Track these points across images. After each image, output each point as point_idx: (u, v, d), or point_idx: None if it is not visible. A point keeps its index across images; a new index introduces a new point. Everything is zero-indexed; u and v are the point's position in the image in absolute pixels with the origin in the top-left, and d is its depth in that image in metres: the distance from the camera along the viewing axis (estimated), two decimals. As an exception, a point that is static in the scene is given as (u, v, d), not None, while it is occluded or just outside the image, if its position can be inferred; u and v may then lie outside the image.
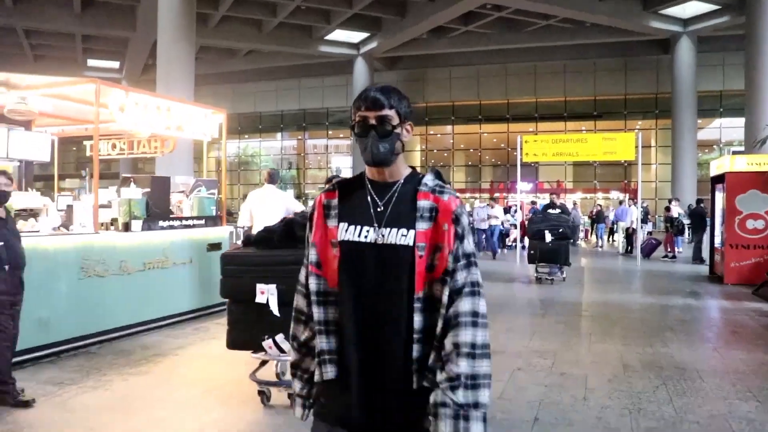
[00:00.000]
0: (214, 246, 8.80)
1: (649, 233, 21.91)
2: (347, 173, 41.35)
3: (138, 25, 32.73)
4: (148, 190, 8.01)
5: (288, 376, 4.44)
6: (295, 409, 2.18)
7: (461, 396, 1.89)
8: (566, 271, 13.00)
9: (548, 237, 12.34)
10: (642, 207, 21.11)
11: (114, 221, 7.61)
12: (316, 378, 2.08)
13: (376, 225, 2.04)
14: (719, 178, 13.68)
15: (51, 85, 7.79)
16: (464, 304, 1.96)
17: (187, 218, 8.65)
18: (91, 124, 9.83)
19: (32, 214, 8.69)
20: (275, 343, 4.51)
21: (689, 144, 31.98)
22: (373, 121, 2.04)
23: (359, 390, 2.01)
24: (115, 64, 41.60)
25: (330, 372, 2.05)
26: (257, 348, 4.65)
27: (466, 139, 42.29)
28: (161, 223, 7.99)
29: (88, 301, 6.81)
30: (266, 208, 7.89)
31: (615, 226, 23.04)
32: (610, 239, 25.33)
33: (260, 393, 4.87)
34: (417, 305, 1.97)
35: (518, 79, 38.80)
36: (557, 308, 9.66)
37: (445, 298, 1.96)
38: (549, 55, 36.83)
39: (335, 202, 2.11)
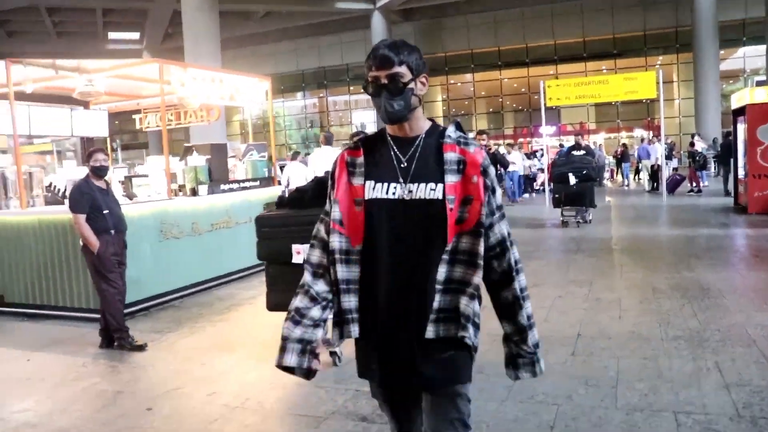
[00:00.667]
0: (270, 205, 9.57)
1: (675, 169, 22.31)
2: (371, 128, 41.87)
3: (156, -4, 33.20)
4: (209, 156, 8.77)
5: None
6: (291, 356, 2.12)
7: (531, 342, 2.12)
8: (593, 212, 13.04)
9: (572, 179, 12.33)
10: (666, 143, 21.55)
11: (182, 187, 8.39)
12: (343, 335, 2.12)
13: (402, 181, 2.05)
14: (740, 111, 14.08)
15: (117, 67, 8.51)
16: (510, 257, 2.09)
17: (243, 181, 9.43)
18: (143, 98, 10.64)
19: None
20: None
21: (712, 77, 31.93)
22: (384, 80, 2.04)
23: (391, 347, 2.07)
24: (135, 35, 42.06)
25: (354, 331, 2.09)
26: None
27: (486, 86, 42.44)
28: (222, 186, 8.77)
29: (168, 261, 7.64)
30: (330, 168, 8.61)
31: (639, 164, 23.45)
32: (636, 177, 25.74)
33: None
34: (445, 257, 2.00)
35: (535, 23, 38.68)
36: (589, 244, 10.33)
37: (481, 250, 2.01)
38: (566, -5, 36.67)
39: (360, 159, 2.12)
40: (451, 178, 2.01)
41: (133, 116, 12.59)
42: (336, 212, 2.10)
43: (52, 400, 4.60)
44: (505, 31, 39.49)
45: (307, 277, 2.18)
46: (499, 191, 2.10)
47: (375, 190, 2.07)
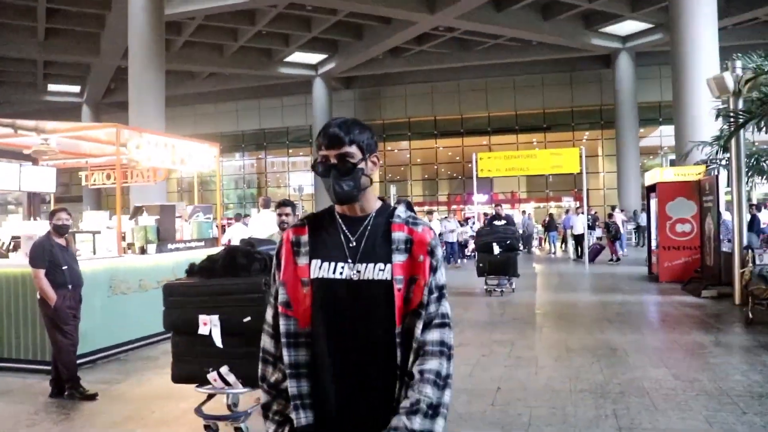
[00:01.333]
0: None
1: (598, 239, 23.63)
2: (308, 190, 42.56)
3: (102, 51, 33.40)
4: (158, 217, 9.20)
5: (240, 408, 4.62)
6: None
7: (418, 423, 1.83)
8: (517, 281, 13.23)
9: (496, 249, 12.46)
10: (590, 215, 22.90)
11: (131, 245, 8.77)
12: (295, 424, 1.99)
13: (350, 261, 1.99)
14: (652, 188, 15.35)
15: (74, 129, 8.95)
16: (433, 335, 1.94)
17: (189, 241, 9.84)
18: (93, 157, 11.02)
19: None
20: (220, 375, 4.32)
21: (632, 152, 34.10)
22: (333, 160, 2.00)
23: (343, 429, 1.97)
24: (76, 89, 41.99)
25: (304, 418, 1.97)
26: (203, 381, 4.42)
27: (422, 153, 43.85)
28: (170, 246, 9.17)
29: (116, 315, 7.98)
30: (268, 231, 9.14)
31: (565, 233, 24.72)
32: (563, 245, 27.05)
33: (206, 428, 4.61)
34: (398, 340, 1.93)
35: (471, 95, 40.54)
36: (513, 309, 11.08)
37: (418, 332, 1.93)
38: (499, 72, 38.59)
39: (305, 238, 2.05)
40: (399, 258, 1.97)
41: (80, 173, 12.89)
42: (282, 294, 2.03)
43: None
44: (441, 101, 41.17)
45: (262, 366, 2.12)
46: (442, 271, 2.04)
47: (321, 270, 2.00)
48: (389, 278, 1.95)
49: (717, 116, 11.01)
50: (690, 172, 14.57)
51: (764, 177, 13.58)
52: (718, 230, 12.45)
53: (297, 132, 44.77)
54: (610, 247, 20.28)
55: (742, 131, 10.04)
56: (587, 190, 38.31)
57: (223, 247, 10.25)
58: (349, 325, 1.96)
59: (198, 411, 4.57)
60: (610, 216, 21.61)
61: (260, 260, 4.52)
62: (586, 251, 19.40)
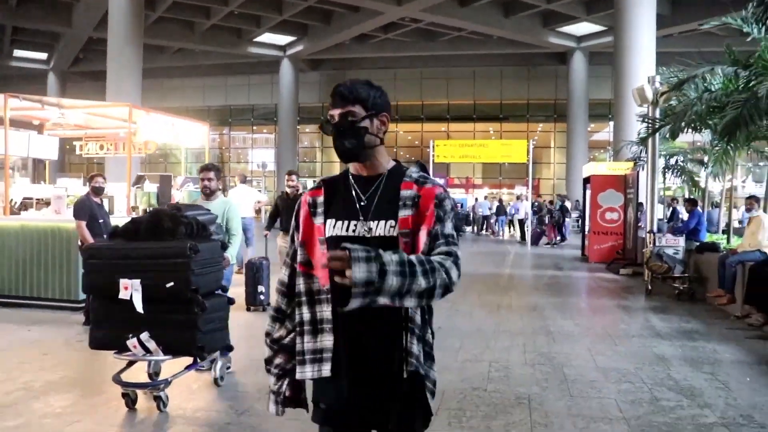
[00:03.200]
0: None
1: (542, 226, 25.63)
2: (271, 167, 43.90)
3: (74, 22, 34.01)
4: (158, 185, 10.66)
5: (162, 377, 4.73)
6: (269, 405, 2.21)
7: (362, 270, 1.71)
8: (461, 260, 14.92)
9: None
10: (536, 202, 24.87)
11: (135, 208, 10.22)
12: (311, 376, 2.06)
13: (362, 218, 2.05)
14: (588, 179, 17.27)
15: (92, 106, 10.32)
16: (441, 251, 1.99)
17: (182, 206, 11.32)
18: (88, 129, 12.37)
19: (45, 202, 11.21)
20: (140, 342, 4.28)
21: (581, 146, 36.23)
22: (336, 119, 2.06)
23: (353, 385, 2.03)
24: (43, 56, 42.29)
25: (326, 370, 2.04)
26: (122, 348, 4.39)
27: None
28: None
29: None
30: (245, 204, 10.65)
31: (512, 218, 26.68)
32: (510, 230, 29.02)
33: (124, 396, 4.52)
34: None
35: (432, 83, 42.19)
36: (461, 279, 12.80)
37: None
38: (460, 62, 40.30)
39: (321, 199, 2.12)
40: (404, 213, 2.01)
41: (74, 142, 14.15)
42: (302, 255, 2.12)
43: (64, 355, 6.42)
44: (404, 87, 42.66)
45: (270, 323, 2.24)
46: (450, 223, 2.07)
47: (335, 228, 2.07)
48: (396, 234, 2.01)
49: (642, 121, 12.80)
50: (620, 167, 16.51)
51: (681, 175, 15.53)
52: (636, 219, 14.39)
53: (262, 110, 45.90)
54: (552, 232, 22.26)
55: (657, 135, 11.86)
56: (537, 179, 40.78)
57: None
58: None
59: (116, 378, 4.50)
60: (551, 203, 23.59)
61: (186, 225, 4.46)
62: (528, 235, 21.33)
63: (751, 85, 8.69)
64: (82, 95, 43.98)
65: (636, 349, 6.68)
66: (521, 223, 23.73)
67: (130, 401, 4.52)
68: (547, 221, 22.46)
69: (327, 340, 2.06)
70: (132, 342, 4.29)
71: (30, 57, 42.15)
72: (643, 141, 12.35)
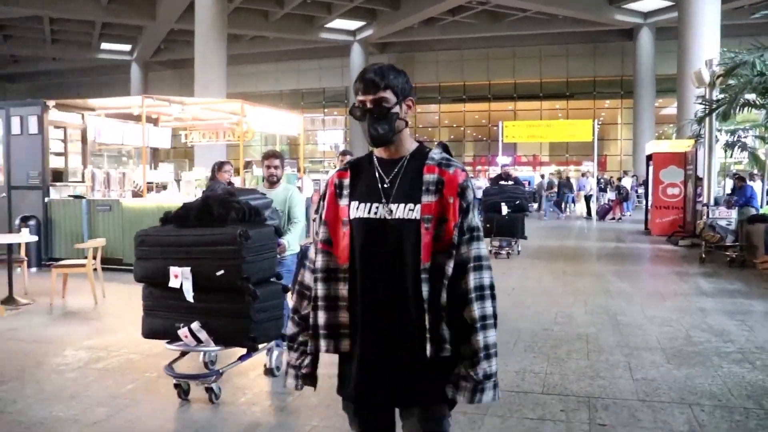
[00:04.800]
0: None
1: (610, 200, 26.39)
2: (343, 147, 45.56)
3: (158, 15, 36.22)
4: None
5: (218, 366, 4.76)
6: (287, 380, 2.29)
7: (480, 371, 2.05)
8: (523, 243, 13.04)
9: (504, 209, 12.22)
10: (603, 178, 25.69)
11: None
12: (324, 350, 2.20)
13: (384, 201, 2.14)
14: (650, 156, 18.10)
15: (209, 102, 11.96)
16: (471, 281, 2.09)
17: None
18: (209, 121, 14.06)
19: (162, 186, 12.95)
20: (191, 331, 4.24)
21: (647, 122, 36.47)
22: (369, 105, 2.14)
23: (375, 364, 2.13)
24: (127, 47, 44.82)
25: (345, 345, 2.18)
26: (174, 337, 4.37)
27: (450, 116, 46.50)
28: (270, 191, 12.26)
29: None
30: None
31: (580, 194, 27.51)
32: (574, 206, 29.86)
33: (176, 386, 4.49)
34: (423, 276, 2.06)
35: (499, 63, 42.89)
36: (525, 249, 14.03)
37: (449, 270, 2.08)
38: (526, 42, 40.85)
39: (347, 181, 2.21)
40: (428, 198, 2.08)
41: (180, 132, 15.91)
42: (323, 233, 2.20)
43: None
44: (471, 68, 43.59)
45: (297, 299, 2.32)
46: (475, 213, 2.15)
47: (358, 210, 2.16)
48: (417, 218, 2.08)
49: (699, 103, 13.66)
50: (681, 145, 17.30)
51: (742, 150, 16.24)
52: (695, 193, 15.26)
53: (333, 92, 47.56)
54: (618, 207, 23.10)
55: (714, 114, 12.74)
56: (604, 155, 41.13)
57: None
58: (384, 262, 2.12)
59: (167, 369, 4.49)
60: (619, 179, 24.37)
61: (238, 210, 4.37)
62: (594, 210, 22.27)
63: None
64: (162, 83, 46.90)
65: (681, 304, 7.86)
66: (587, 198, 24.58)
67: (182, 392, 4.47)
68: (613, 197, 23.28)
69: (343, 317, 2.17)
70: (183, 332, 4.22)
71: (115, 49, 44.63)
72: (700, 121, 13.27)
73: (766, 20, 14.02)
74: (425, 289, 2.06)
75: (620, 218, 22.68)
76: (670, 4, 33.08)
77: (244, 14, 37.19)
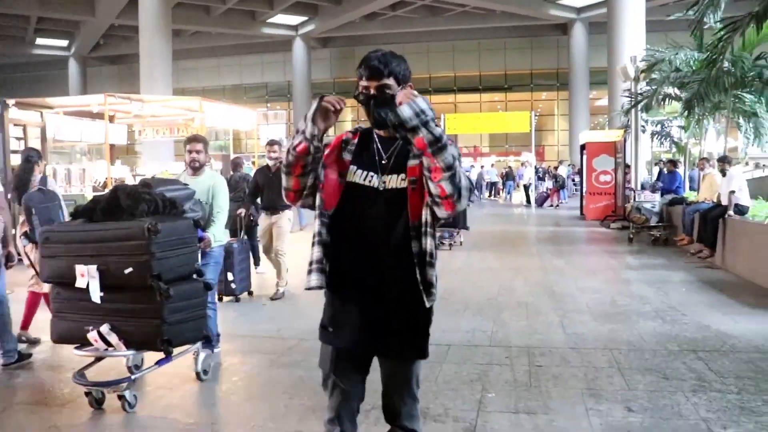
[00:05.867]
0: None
1: (548, 188, 27.67)
2: (286, 143, 45.82)
3: (96, 11, 35.80)
4: (221, 163, 12.79)
5: (144, 369, 4.38)
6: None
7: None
8: (465, 234, 12.79)
9: None
10: (541, 167, 26.95)
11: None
12: (308, 285, 2.37)
13: (380, 173, 2.39)
14: (584, 146, 19.28)
15: (168, 99, 12.42)
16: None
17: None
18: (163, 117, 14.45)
19: (121, 181, 13.33)
20: (100, 335, 3.90)
21: (583, 112, 38.01)
22: (373, 91, 2.31)
23: (365, 313, 2.36)
24: (64, 43, 43.94)
25: (314, 281, 2.36)
26: (85, 341, 4.00)
27: (392, 109, 47.31)
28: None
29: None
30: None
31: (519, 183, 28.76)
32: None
33: (87, 395, 4.08)
34: (412, 233, 2.32)
35: (439, 57, 43.90)
36: (474, 234, 14.92)
37: (429, 218, 2.34)
38: (465, 36, 41.95)
39: (355, 141, 2.46)
40: (412, 162, 2.32)
41: (133, 128, 16.23)
42: (322, 175, 2.41)
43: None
44: (411, 61, 42.49)
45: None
46: (453, 148, 2.25)
47: (356, 175, 2.40)
48: (406, 185, 2.34)
49: (626, 96, 14.78)
50: (611, 135, 18.50)
51: (665, 139, 17.52)
52: (624, 180, 16.45)
53: (276, 87, 47.85)
54: (555, 195, 24.35)
55: (639, 106, 13.87)
56: (542, 146, 42.67)
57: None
58: (375, 224, 2.37)
59: (76, 377, 4.08)
60: (556, 168, 25.65)
61: (149, 201, 4.04)
62: (532, 198, 23.45)
63: (707, 66, 10.59)
64: (101, 78, 46.36)
65: (609, 277, 8.86)
66: (526, 188, 25.77)
67: (95, 401, 4.07)
68: (551, 185, 24.51)
69: (317, 253, 2.38)
70: (92, 335, 3.90)
71: (52, 44, 43.69)
72: (626, 113, 14.44)
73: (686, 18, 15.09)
74: (414, 246, 2.32)
75: (558, 205, 23.90)
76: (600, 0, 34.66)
77: (186, 9, 37.09)
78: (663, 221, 12.56)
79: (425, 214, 2.33)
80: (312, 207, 2.47)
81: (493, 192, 31.30)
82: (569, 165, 29.54)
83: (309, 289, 2.38)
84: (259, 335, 6.00)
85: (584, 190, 19.31)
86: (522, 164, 30.06)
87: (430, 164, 2.20)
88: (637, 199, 12.91)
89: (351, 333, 2.39)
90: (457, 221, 12.10)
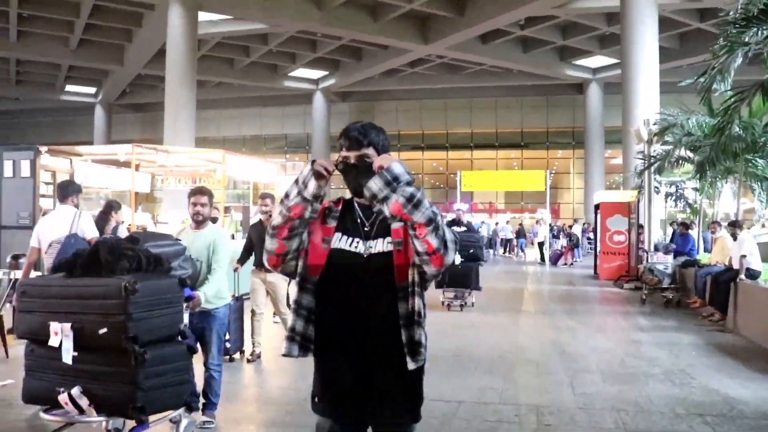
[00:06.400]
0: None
1: (563, 246, 27.76)
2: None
3: (126, 60, 36.91)
4: (241, 214, 13.11)
5: None
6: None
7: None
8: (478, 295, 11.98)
9: (457, 259, 10.88)
10: (556, 225, 27.12)
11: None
12: (284, 352, 2.41)
13: (364, 239, 2.45)
14: (598, 206, 19.46)
15: (192, 151, 12.82)
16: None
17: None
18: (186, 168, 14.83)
19: (143, 228, 13.65)
20: (71, 398, 3.68)
21: (598, 171, 38.26)
22: (353, 161, 2.41)
23: (355, 381, 2.38)
24: (92, 90, 45.21)
25: (294, 350, 2.40)
26: (57, 404, 3.75)
27: (409, 164, 46.42)
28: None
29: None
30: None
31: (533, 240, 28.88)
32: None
33: None
34: (400, 294, 2.37)
35: (456, 113, 44.59)
36: (486, 292, 15.01)
37: (416, 277, 2.40)
38: (483, 93, 42.62)
39: (338, 209, 2.52)
40: (395, 225, 2.37)
41: (156, 176, 16.63)
42: (306, 241, 2.45)
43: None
44: (428, 117, 45.20)
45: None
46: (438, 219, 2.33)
47: (341, 242, 2.45)
48: (392, 248, 2.39)
49: (640, 158, 15.02)
50: (626, 195, 18.68)
51: (678, 201, 17.62)
52: (638, 240, 16.56)
53: (295, 138, 48.67)
54: (570, 253, 24.44)
55: (651, 168, 14.07)
56: (558, 203, 42.84)
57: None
58: (360, 289, 2.41)
59: None
60: (570, 227, 25.81)
61: (131, 258, 3.84)
62: (546, 255, 23.54)
63: (717, 132, 10.80)
64: (125, 125, 47.45)
65: (620, 337, 8.95)
66: (540, 245, 25.88)
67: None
68: (565, 243, 24.63)
69: (309, 328, 2.41)
70: (63, 398, 3.66)
71: (80, 91, 44.92)
72: (639, 174, 14.67)
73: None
74: (401, 307, 2.35)
75: (572, 263, 23.96)
76: (615, 61, 35.25)
77: (211, 61, 38.11)
78: (675, 283, 12.62)
79: (412, 275, 2.38)
80: (293, 275, 2.48)
81: (507, 249, 31.41)
82: (584, 223, 29.67)
83: (286, 356, 2.41)
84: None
85: (598, 249, 19.42)
86: (537, 222, 30.21)
87: (412, 222, 2.27)
88: (650, 260, 13.00)
89: (341, 404, 2.41)
90: (469, 282, 11.43)
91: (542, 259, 25.51)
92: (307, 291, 2.41)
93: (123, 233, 6.70)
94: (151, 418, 3.80)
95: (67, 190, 6.41)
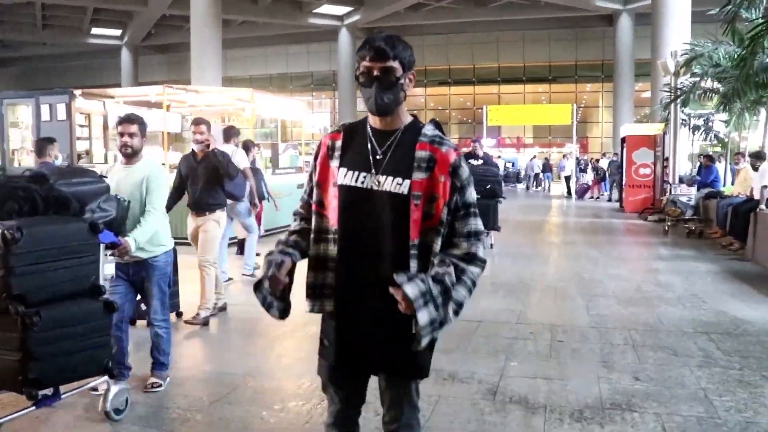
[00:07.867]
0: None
1: (589, 181, 27.83)
2: (329, 129, 46.50)
3: (150, 1, 36.87)
4: (270, 150, 13.44)
5: (14, 413, 3.33)
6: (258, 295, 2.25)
7: (429, 312, 2.01)
8: (502, 216, 11.71)
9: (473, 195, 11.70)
10: (582, 159, 27.09)
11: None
12: (309, 310, 2.24)
13: (373, 171, 2.16)
14: (624, 139, 19.44)
15: (222, 90, 13.09)
16: (461, 249, 2.16)
17: (286, 168, 14.07)
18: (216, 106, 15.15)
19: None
20: None
21: (627, 105, 37.71)
22: (377, 73, 2.11)
23: (356, 332, 2.20)
24: (117, 32, 45.30)
25: (328, 305, 2.22)
26: None
27: (436, 99, 47.67)
28: (277, 170, 13.38)
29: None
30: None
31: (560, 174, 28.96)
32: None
33: None
34: (412, 251, 2.10)
35: (483, 47, 44.05)
36: (510, 224, 15.32)
37: (436, 248, 2.11)
38: (510, 27, 41.94)
39: (339, 143, 2.22)
40: (419, 176, 2.10)
41: (186, 117, 16.97)
42: (317, 194, 2.25)
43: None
44: (455, 52, 44.71)
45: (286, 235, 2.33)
46: (471, 190, 2.17)
47: (346, 177, 2.18)
48: (405, 193, 2.11)
49: (666, 90, 14.94)
50: (652, 128, 18.62)
51: (707, 134, 17.53)
52: (663, 173, 16.62)
53: (321, 76, 48.58)
54: (596, 187, 24.52)
55: (677, 100, 14.03)
56: (586, 137, 42.50)
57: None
58: (370, 230, 2.16)
59: None
60: (597, 161, 25.78)
61: (22, 199, 3.33)
62: (573, 189, 23.65)
63: (741, 61, 10.72)
64: (152, 67, 47.71)
65: (639, 266, 9.24)
66: (567, 179, 25.96)
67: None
68: (592, 177, 24.69)
69: (330, 277, 2.21)
70: None
71: (106, 34, 45.01)
72: (665, 107, 14.62)
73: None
74: (413, 265, 2.10)
75: (598, 197, 24.07)
76: (647, -10, 34.36)
77: (235, 0, 37.99)
78: (698, 214, 12.78)
79: (429, 238, 2.14)
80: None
81: (535, 183, 31.54)
82: (614, 155, 29.58)
83: (321, 312, 2.28)
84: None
85: (623, 182, 19.51)
86: (564, 156, 30.19)
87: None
88: (673, 193, 13.13)
89: (346, 350, 2.24)
90: (486, 220, 10.23)
91: (569, 192, 25.64)
92: (330, 242, 2.22)
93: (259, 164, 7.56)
94: (68, 387, 3.41)
95: (229, 133, 8.40)
